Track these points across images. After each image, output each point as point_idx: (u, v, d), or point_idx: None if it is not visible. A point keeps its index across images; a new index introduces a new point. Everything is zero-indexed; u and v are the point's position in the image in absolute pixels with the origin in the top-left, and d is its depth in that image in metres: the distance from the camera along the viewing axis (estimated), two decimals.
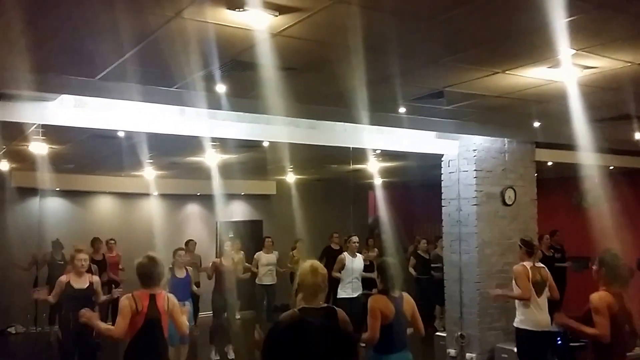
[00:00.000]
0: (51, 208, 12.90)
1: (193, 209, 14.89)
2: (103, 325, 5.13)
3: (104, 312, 9.70)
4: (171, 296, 5.20)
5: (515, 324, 6.86)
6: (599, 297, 4.85)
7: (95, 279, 7.29)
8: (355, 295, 9.57)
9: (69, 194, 13.08)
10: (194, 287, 9.38)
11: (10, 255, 11.60)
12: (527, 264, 6.80)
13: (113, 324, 5.03)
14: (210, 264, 10.18)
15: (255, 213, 15.52)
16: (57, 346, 7.14)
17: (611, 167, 10.70)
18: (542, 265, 7.05)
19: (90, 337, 7.00)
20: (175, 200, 14.37)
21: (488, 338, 8.60)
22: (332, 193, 14.71)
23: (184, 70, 5.12)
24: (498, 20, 4.19)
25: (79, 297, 6.92)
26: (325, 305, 4.10)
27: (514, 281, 6.88)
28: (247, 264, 10.51)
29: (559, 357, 7.83)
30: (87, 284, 7.11)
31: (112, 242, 12.17)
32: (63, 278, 7.13)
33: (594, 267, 5.06)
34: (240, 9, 3.80)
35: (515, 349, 7.54)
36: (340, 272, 9.61)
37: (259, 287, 11.46)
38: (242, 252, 10.32)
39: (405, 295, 5.25)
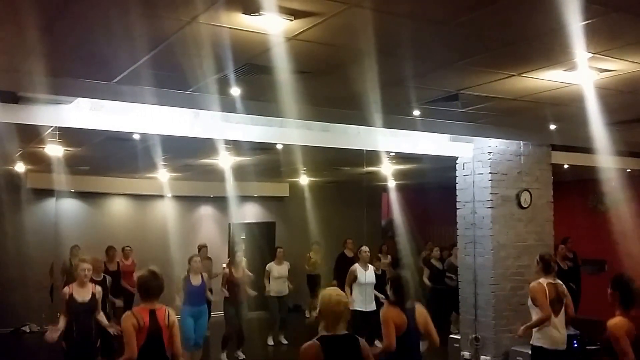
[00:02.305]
0: (66, 209, 13.03)
1: (206, 211, 14.97)
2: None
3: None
4: (172, 312, 5.17)
5: (531, 342, 6.68)
6: (616, 324, 4.78)
7: (98, 289, 7.21)
8: (368, 309, 9.52)
9: (84, 196, 13.21)
10: (208, 294, 9.35)
11: (27, 256, 11.75)
12: (544, 280, 6.58)
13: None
14: (221, 275, 10.24)
15: (268, 215, 15.57)
16: (61, 356, 7.17)
17: (628, 170, 10.63)
18: (560, 281, 6.81)
19: (93, 347, 7.08)
20: (188, 201, 14.46)
21: (503, 341, 8.58)
22: (345, 195, 14.72)
23: (199, 73, 5.16)
24: (513, 24, 4.18)
25: (82, 310, 6.94)
26: (346, 333, 4.14)
27: (529, 300, 6.68)
28: (248, 272, 10.48)
29: None
30: (90, 296, 7.03)
31: (128, 249, 11.87)
32: (66, 290, 7.08)
33: (609, 290, 4.99)
34: (256, 14, 3.82)
35: (529, 352, 7.49)
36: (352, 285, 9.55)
37: (271, 299, 11.36)
38: (245, 259, 10.35)
39: (418, 306, 5.26)
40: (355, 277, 9.56)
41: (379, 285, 9.97)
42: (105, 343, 7.55)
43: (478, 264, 8.78)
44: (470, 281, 8.86)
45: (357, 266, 9.75)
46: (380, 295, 9.84)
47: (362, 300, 9.55)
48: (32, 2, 3.70)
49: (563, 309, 6.63)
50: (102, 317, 7.10)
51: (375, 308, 9.58)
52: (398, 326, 5.01)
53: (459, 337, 9.19)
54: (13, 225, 12.16)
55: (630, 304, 4.84)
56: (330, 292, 4.21)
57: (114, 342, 7.68)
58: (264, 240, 14.41)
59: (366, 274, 9.67)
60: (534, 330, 6.63)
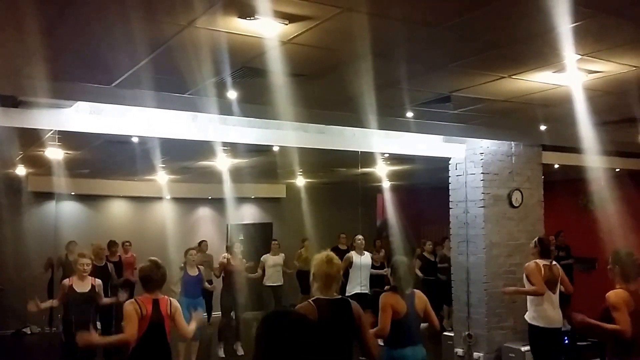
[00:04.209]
0: (67, 212, 13.11)
1: (204, 212, 15.06)
2: (111, 338, 5.10)
3: (107, 315, 9.73)
4: (174, 300, 5.27)
5: (528, 320, 6.86)
6: (615, 294, 4.84)
7: (98, 282, 7.39)
8: (363, 291, 9.72)
9: (84, 198, 13.29)
10: (206, 284, 9.46)
11: (27, 258, 11.81)
12: (540, 261, 6.79)
13: (116, 328, 5.09)
14: (219, 264, 10.36)
15: (265, 216, 15.66)
16: (60, 347, 7.30)
17: (617, 169, 10.73)
18: (555, 262, 7.01)
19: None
20: (187, 203, 14.55)
21: (495, 338, 8.66)
22: (341, 196, 14.78)
23: (196, 77, 5.22)
24: (504, 26, 4.24)
25: (81, 300, 7.09)
26: (340, 297, 4.20)
27: (525, 278, 6.86)
28: (244, 261, 10.72)
29: (567, 356, 7.89)
30: (89, 287, 7.22)
31: (128, 244, 12.31)
32: (66, 281, 7.29)
33: (608, 266, 5.04)
34: (251, 18, 3.88)
35: (522, 349, 7.61)
36: (348, 271, 9.69)
37: (266, 288, 11.62)
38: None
39: (418, 292, 5.32)
40: (351, 263, 9.75)
41: (378, 277, 10.21)
42: (105, 332, 7.67)
43: (471, 262, 8.85)
44: (463, 279, 8.93)
45: (352, 253, 10.00)
46: (379, 272, 10.04)
47: (357, 283, 9.77)
48: (32, 7, 3.75)
49: (558, 288, 6.79)
50: (104, 300, 7.36)
51: (368, 291, 9.81)
52: (398, 310, 5.06)
53: (452, 335, 9.28)
54: (14, 227, 12.22)
55: (630, 277, 4.88)
56: (322, 254, 4.22)
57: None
58: (262, 241, 14.48)
59: (361, 258, 9.91)
60: (530, 309, 6.81)
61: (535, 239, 7.10)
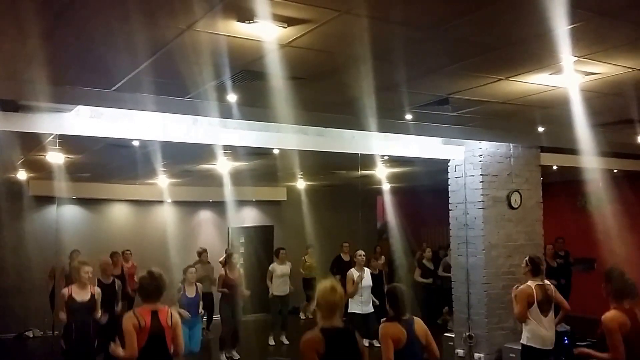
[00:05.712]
0: (68, 216, 13.12)
1: (205, 215, 15.07)
2: (121, 352, 5.08)
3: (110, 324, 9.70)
4: (174, 312, 5.22)
5: (521, 341, 6.74)
6: (609, 318, 4.81)
7: (97, 290, 7.36)
8: (366, 311, 9.72)
9: (85, 202, 13.31)
10: (201, 311, 9.20)
11: (28, 262, 11.85)
12: (532, 283, 6.57)
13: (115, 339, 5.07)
14: (218, 277, 10.37)
15: (266, 219, 15.68)
16: (60, 355, 7.31)
17: (615, 170, 10.76)
18: (548, 282, 6.81)
19: (92, 347, 7.20)
20: (188, 206, 14.56)
21: (496, 338, 8.70)
22: (341, 198, 14.83)
23: (196, 80, 5.24)
24: (501, 29, 4.27)
25: (82, 309, 7.09)
26: (343, 327, 4.30)
27: (513, 299, 6.69)
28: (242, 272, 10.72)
29: (566, 356, 7.90)
30: (89, 296, 7.19)
31: (128, 252, 12.04)
32: (65, 291, 7.23)
33: (602, 285, 5.03)
34: (250, 21, 3.91)
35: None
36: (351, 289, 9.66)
37: (274, 298, 11.50)
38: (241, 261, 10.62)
39: (417, 319, 5.14)
40: (353, 281, 9.73)
41: (375, 286, 10.19)
42: (105, 342, 7.68)
43: (470, 263, 8.90)
44: (463, 281, 8.98)
45: (353, 271, 9.92)
46: (376, 301, 10.04)
47: (359, 302, 9.75)
48: (32, 11, 3.78)
49: (552, 310, 6.67)
50: (99, 315, 7.26)
51: (372, 310, 9.78)
52: (398, 340, 4.88)
53: (452, 336, 9.32)
54: (15, 232, 12.29)
55: (623, 296, 4.87)
56: (325, 282, 4.33)
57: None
58: (263, 244, 14.55)
59: (362, 276, 9.84)
60: (524, 330, 6.68)
61: (526, 258, 6.84)
